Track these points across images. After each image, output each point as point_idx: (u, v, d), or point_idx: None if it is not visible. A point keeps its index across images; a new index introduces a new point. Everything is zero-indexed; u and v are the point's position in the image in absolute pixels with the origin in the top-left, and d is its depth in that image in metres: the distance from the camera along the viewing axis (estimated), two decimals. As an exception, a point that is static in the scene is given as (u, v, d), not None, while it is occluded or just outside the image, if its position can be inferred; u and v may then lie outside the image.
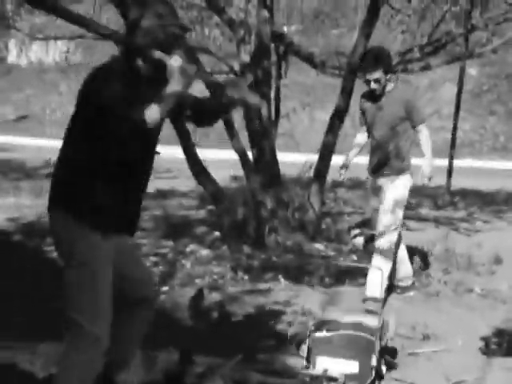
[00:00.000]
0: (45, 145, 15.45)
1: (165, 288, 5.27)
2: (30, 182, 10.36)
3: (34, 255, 6.18)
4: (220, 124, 7.87)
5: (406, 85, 5.13)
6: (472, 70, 17.68)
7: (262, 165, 6.60)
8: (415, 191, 10.73)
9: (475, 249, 6.77)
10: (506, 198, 10.77)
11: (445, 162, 11.09)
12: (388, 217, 5.09)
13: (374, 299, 4.33)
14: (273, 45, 6.94)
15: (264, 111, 6.62)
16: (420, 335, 4.60)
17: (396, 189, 5.11)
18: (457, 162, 11.36)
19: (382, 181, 5.20)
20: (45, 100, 22.50)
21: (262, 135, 6.58)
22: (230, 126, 6.84)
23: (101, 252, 2.89)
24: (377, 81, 4.94)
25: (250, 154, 6.75)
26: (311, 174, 7.03)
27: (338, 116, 6.72)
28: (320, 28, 19.31)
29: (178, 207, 9.01)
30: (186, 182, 9.75)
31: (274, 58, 6.97)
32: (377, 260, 5.05)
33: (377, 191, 5.24)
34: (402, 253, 5.42)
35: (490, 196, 10.89)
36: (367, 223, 5.53)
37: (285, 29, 7.57)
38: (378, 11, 6.69)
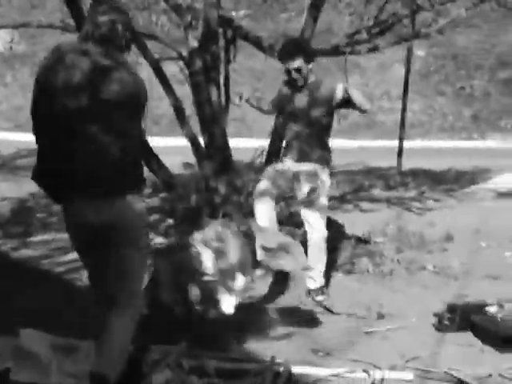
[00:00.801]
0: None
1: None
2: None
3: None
4: (170, 110, 7.81)
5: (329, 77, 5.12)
6: (419, 52, 17.88)
7: (213, 151, 6.56)
8: (367, 173, 10.90)
9: (427, 227, 6.87)
10: (455, 176, 10.95)
11: (395, 143, 11.22)
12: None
13: None
14: (221, 30, 6.88)
15: (214, 96, 6.57)
16: (375, 314, 4.65)
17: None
18: (407, 143, 11.50)
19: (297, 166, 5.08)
20: (-10, 91, 22.03)
21: (213, 121, 6.54)
22: (180, 113, 6.79)
23: None
24: (298, 70, 4.91)
25: (201, 140, 6.71)
26: (263, 159, 7.03)
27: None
28: (268, 12, 19.28)
29: (130, 196, 8.91)
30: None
31: (222, 43, 6.91)
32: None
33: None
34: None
35: (441, 175, 11.06)
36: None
37: (233, 13, 7.52)
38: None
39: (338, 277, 5.49)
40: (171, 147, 11.48)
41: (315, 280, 4.94)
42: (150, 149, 6.67)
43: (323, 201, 4.97)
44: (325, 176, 5.00)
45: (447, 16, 7.21)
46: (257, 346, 4.09)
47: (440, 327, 4.40)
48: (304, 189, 4.96)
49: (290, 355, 3.91)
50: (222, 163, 6.55)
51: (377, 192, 9.38)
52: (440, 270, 5.63)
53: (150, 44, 7.20)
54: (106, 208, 3.06)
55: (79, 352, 3.39)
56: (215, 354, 3.82)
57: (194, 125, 6.77)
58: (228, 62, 6.90)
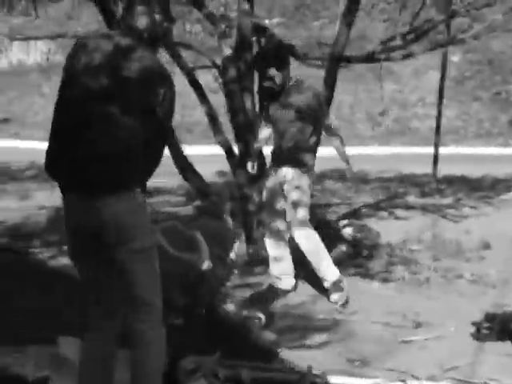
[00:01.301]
0: (28, 147, 15.33)
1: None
2: (14, 185, 10.28)
3: (20, 258, 6.14)
4: (204, 119, 7.83)
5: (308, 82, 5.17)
6: (454, 57, 17.71)
7: (247, 159, 6.55)
8: (401, 180, 10.81)
9: (463, 235, 6.79)
10: (492, 183, 10.80)
11: (430, 150, 11.11)
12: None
13: None
14: (254, 38, 6.89)
15: (248, 104, 6.58)
16: (411, 323, 4.60)
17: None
18: (442, 150, 11.38)
19: (285, 172, 5.14)
20: (27, 102, 22.35)
21: (247, 129, 6.54)
22: (214, 121, 6.80)
23: None
24: (271, 79, 4.92)
25: (235, 149, 6.72)
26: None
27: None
28: (301, 20, 19.26)
29: (164, 204, 8.97)
30: (172, 179, 9.72)
31: (256, 51, 6.91)
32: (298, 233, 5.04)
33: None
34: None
35: (477, 182, 10.91)
36: (355, 214, 5.53)
37: (266, 21, 7.53)
38: (359, 0, 6.66)
39: (373, 285, 5.44)
40: (205, 156, 11.52)
41: (327, 279, 4.94)
42: (185, 157, 6.70)
43: (303, 203, 5.02)
44: (303, 180, 5.04)
45: (483, 21, 7.13)
46: (292, 355, 4.07)
47: (478, 336, 4.33)
48: (288, 198, 5.06)
49: (326, 364, 3.88)
50: (257, 171, 6.54)
51: (412, 199, 9.29)
52: (477, 279, 5.55)
53: (184, 53, 7.24)
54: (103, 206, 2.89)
55: (119, 360, 3.39)
56: (250, 363, 3.81)
57: (228, 133, 6.78)
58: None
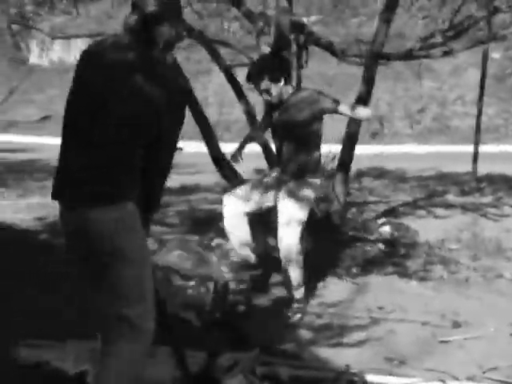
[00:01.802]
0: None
1: (191, 283, 5.26)
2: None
3: (60, 253, 6.21)
4: (242, 117, 7.85)
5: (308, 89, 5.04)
6: (495, 54, 17.47)
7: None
8: (440, 178, 10.70)
9: (504, 234, 6.70)
10: (533, 181, 10.64)
11: (470, 148, 10.99)
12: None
13: None
14: (292, 35, 6.87)
15: (286, 102, 6.57)
16: (450, 323, 4.55)
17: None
18: (482, 148, 11.24)
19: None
20: (67, 100, 22.62)
21: (285, 126, 6.54)
22: (252, 118, 6.81)
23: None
24: (266, 91, 4.85)
25: (272, 146, 6.71)
26: (335, 164, 6.98)
27: (360, 105, 6.65)
28: (340, 17, 19.19)
29: (202, 201, 9.01)
30: (211, 177, 9.76)
31: (294, 48, 6.90)
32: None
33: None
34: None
35: (517, 180, 10.76)
36: (393, 212, 5.48)
37: (304, 19, 7.50)
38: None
39: (411, 284, 5.40)
40: (243, 153, 11.53)
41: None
42: (222, 155, 6.72)
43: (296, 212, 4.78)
44: (306, 191, 4.82)
45: (525, 17, 7.03)
46: (330, 353, 4.05)
47: (519, 337, 4.27)
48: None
49: (364, 363, 3.87)
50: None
51: (451, 198, 9.20)
52: (518, 278, 5.48)
53: (222, 50, 7.26)
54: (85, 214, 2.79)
55: (156, 357, 3.42)
56: (288, 361, 3.81)
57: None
58: (300, 67, 6.89)
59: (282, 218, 4.73)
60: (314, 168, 4.89)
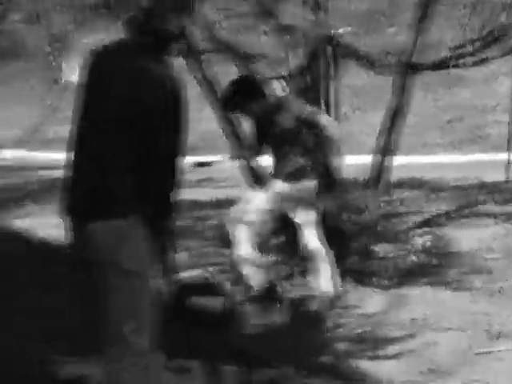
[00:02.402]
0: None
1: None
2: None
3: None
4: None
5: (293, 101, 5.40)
6: (526, 62, 17.31)
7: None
8: (474, 187, 10.59)
9: (539, 244, 6.61)
10: None
11: (503, 156, 10.88)
12: None
13: None
14: (323, 47, 6.88)
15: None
16: (487, 334, 4.51)
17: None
18: (515, 156, 11.11)
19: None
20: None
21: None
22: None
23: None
24: (246, 113, 4.99)
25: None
26: (367, 175, 6.96)
27: (391, 116, 6.64)
28: (375, 28, 19.11)
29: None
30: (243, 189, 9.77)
31: (326, 60, 6.90)
32: None
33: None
34: None
35: (552, 189, 10.60)
36: (428, 222, 5.46)
37: (336, 31, 7.49)
38: (432, 7, 6.58)
39: (447, 295, 5.35)
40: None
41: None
42: (254, 168, 6.73)
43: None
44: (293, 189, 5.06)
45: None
46: (367, 366, 4.04)
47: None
48: None
49: (400, 375, 3.84)
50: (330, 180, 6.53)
51: (486, 207, 9.10)
52: (555, 289, 5.40)
53: (254, 64, 7.28)
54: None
55: (191, 372, 3.43)
56: (323, 377, 3.79)
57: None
58: (329, 79, 6.89)
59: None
60: (307, 171, 5.10)
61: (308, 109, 5.21)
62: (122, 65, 2.81)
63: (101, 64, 2.89)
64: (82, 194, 2.79)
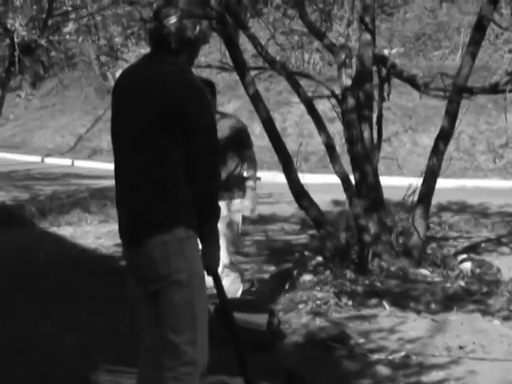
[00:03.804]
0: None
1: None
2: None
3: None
4: (320, 148, 7.84)
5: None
6: None
7: (364, 188, 6.51)
8: (490, 213, 10.38)
9: None
10: None
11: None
12: None
13: None
14: (374, 68, 6.85)
15: (366, 134, 6.55)
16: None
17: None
18: None
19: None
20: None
21: (364, 159, 6.50)
22: (331, 150, 6.80)
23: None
24: None
25: (352, 178, 6.68)
26: (415, 197, 6.88)
27: (443, 139, 6.56)
28: (422, 50, 19.01)
29: (279, 232, 9.02)
30: (288, 207, 9.76)
31: (376, 81, 6.88)
32: None
33: None
34: None
35: None
36: (475, 248, 5.35)
37: (386, 51, 7.46)
38: (485, 30, 6.52)
39: (494, 323, 5.23)
40: (321, 184, 11.50)
41: None
42: (301, 185, 6.72)
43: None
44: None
45: None
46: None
47: None
48: None
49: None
50: (373, 201, 6.48)
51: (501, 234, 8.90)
52: None
53: (303, 82, 7.29)
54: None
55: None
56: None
57: (345, 162, 6.75)
58: (382, 100, 6.85)
59: None
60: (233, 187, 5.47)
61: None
62: (167, 77, 2.82)
63: (128, 79, 2.96)
64: (141, 211, 2.83)
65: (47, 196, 11.83)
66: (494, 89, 6.48)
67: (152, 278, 2.83)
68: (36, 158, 19.36)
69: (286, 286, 5.97)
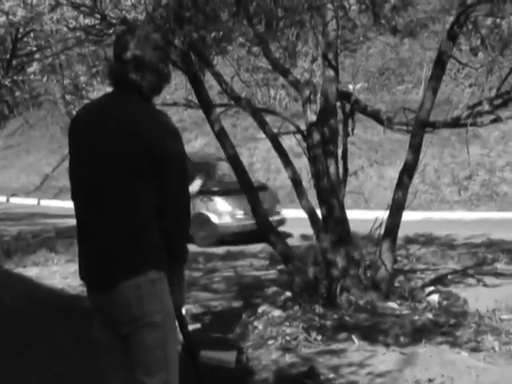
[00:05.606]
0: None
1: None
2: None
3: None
4: (287, 183, 7.90)
5: None
6: (543, 121, 17.31)
7: (331, 223, 6.54)
8: (489, 245, 10.50)
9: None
10: None
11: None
12: None
13: None
14: (339, 103, 6.94)
15: (332, 169, 6.60)
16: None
17: None
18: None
19: None
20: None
21: (331, 193, 6.55)
22: (298, 185, 6.84)
23: None
24: None
25: (318, 213, 6.72)
26: (382, 231, 6.93)
27: (407, 172, 6.64)
28: (386, 84, 19.33)
29: (248, 268, 9.00)
30: (255, 243, 9.77)
31: (340, 116, 6.96)
32: None
33: None
34: None
35: None
36: (442, 280, 5.38)
37: (350, 87, 7.57)
38: (445, 65, 6.65)
39: (462, 355, 5.25)
40: (289, 219, 11.54)
41: None
42: (268, 222, 6.73)
43: None
44: None
45: None
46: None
47: None
48: None
49: None
50: (340, 235, 6.51)
51: (501, 266, 9.01)
52: None
53: (269, 118, 7.36)
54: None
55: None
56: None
57: (312, 197, 6.79)
58: (347, 135, 6.93)
59: None
60: None
61: None
62: (113, 111, 2.81)
63: (87, 118, 2.90)
64: (112, 252, 2.77)
65: (12, 236, 11.69)
66: (456, 123, 6.60)
67: (124, 321, 2.79)
68: (1, 198, 19.17)
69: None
